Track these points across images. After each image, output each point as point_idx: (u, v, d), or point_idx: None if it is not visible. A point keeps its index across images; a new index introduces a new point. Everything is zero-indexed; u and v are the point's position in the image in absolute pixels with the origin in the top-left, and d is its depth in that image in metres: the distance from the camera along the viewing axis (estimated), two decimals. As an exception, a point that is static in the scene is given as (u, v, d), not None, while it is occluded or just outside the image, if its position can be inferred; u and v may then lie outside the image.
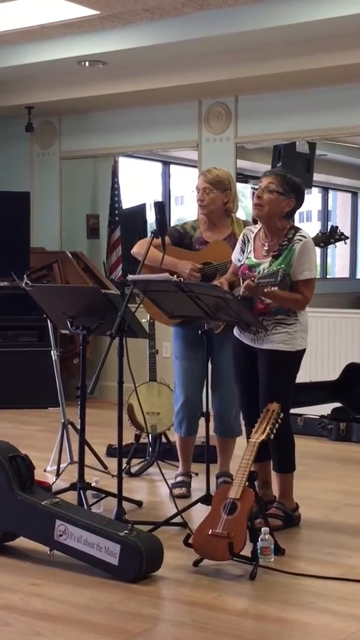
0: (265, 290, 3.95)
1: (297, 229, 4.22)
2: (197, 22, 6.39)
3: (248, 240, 4.31)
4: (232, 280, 4.32)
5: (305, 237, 4.17)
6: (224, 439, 4.86)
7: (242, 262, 4.26)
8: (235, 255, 4.37)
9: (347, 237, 5.29)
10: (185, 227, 4.84)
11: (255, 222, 4.42)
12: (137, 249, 4.78)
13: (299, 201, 4.24)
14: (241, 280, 4.16)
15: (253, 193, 4.25)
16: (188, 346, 4.80)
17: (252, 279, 3.98)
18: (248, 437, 4.10)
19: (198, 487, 4.76)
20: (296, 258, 4.10)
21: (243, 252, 4.31)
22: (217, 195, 4.75)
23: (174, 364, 4.92)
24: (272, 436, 3.87)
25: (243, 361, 4.31)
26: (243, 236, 4.35)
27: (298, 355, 4.22)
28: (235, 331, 4.31)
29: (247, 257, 4.26)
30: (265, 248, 4.21)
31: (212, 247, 4.75)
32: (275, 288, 3.93)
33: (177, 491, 4.73)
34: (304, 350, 4.24)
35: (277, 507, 4.27)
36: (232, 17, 6.27)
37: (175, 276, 4.21)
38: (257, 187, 4.21)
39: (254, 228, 4.34)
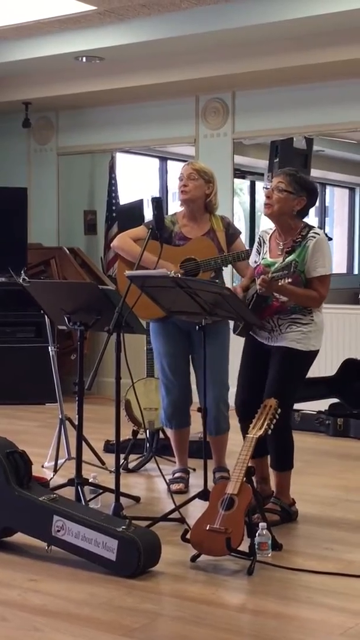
0: (279, 283, 3.97)
1: (311, 227, 4.25)
2: (194, 17, 6.39)
3: (264, 242, 4.35)
4: (249, 286, 4.34)
5: (318, 234, 4.19)
6: (212, 436, 4.82)
7: (258, 263, 4.29)
8: (252, 257, 4.42)
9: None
10: (164, 222, 4.82)
11: (253, 224, 4.44)
12: (118, 243, 4.81)
13: (311, 199, 4.25)
14: (256, 279, 4.18)
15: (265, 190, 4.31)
16: (169, 343, 4.81)
17: (267, 274, 4.01)
18: (243, 434, 4.10)
19: (195, 482, 4.77)
20: (310, 255, 4.12)
21: (259, 254, 4.35)
22: (201, 183, 4.76)
23: (155, 361, 4.94)
24: (269, 432, 3.88)
25: (252, 359, 4.32)
26: (259, 238, 4.40)
27: (310, 355, 4.22)
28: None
29: (262, 258, 4.31)
30: (280, 247, 4.24)
31: (195, 243, 4.74)
32: (289, 280, 3.95)
33: (174, 487, 4.74)
34: (317, 352, 4.24)
35: (274, 502, 4.27)
36: (229, 13, 6.27)
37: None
38: (268, 187, 4.25)
39: (269, 230, 4.38)
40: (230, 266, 4.86)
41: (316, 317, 4.20)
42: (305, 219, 4.34)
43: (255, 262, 4.35)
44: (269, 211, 4.20)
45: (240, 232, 4.95)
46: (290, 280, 3.95)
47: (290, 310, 4.15)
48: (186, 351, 4.84)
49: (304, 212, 4.28)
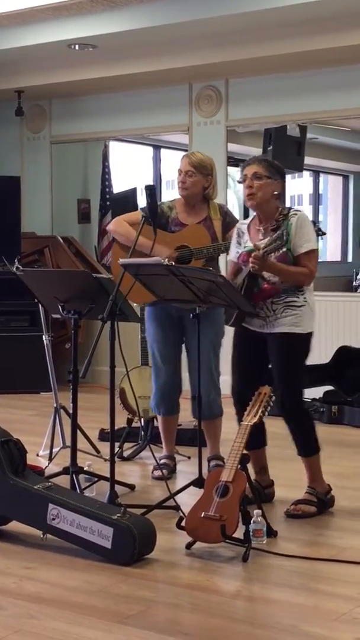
0: (273, 255, 4.01)
1: (290, 207, 4.28)
2: (187, 4, 6.37)
3: (242, 233, 4.33)
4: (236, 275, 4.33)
5: (300, 211, 4.23)
6: (204, 420, 4.85)
7: (241, 252, 4.27)
8: (232, 251, 4.38)
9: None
10: (162, 207, 4.82)
11: (247, 212, 4.44)
12: (114, 227, 4.88)
13: (284, 181, 4.33)
14: (242, 267, 4.18)
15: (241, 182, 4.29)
16: (162, 330, 4.84)
17: (258, 249, 4.01)
18: (240, 422, 4.10)
19: (190, 470, 4.78)
20: (294, 232, 4.12)
21: (240, 244, 4.33)
22: (199, 179, 4.77)
23: (148, 347, 4.96)
24: (263, 419, 3.89)
25: (246, 348, 4.29)
26: (237, 230, 4.39)
27: (308, 336, 4.23)
28: None
29: (245, 247, 4.28)
30: (262, 232, 4.22)
31: (189, 231, 4.76)
32: (284, 250, 4.02)
33: (156, 473, 4.76)
34: (312, 333, 4.25)
35: (309, 492, 4.25)
36: (222, 0, 6.24)
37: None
38: (241, 180, 4.22)
39: (244, 222, 4.39)
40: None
41: (309, 298, 4.20)
42: (300, 207, 4.36)
43: (237, 252, 4.31)
44: (254, 201, 4.19)
45: (237, 221, 4.95)
46: (284, 249, 4.01)
47: (283, 291, 4.13)
48: (178, 339, 4.86)
49: (282, 196, 4.30)
